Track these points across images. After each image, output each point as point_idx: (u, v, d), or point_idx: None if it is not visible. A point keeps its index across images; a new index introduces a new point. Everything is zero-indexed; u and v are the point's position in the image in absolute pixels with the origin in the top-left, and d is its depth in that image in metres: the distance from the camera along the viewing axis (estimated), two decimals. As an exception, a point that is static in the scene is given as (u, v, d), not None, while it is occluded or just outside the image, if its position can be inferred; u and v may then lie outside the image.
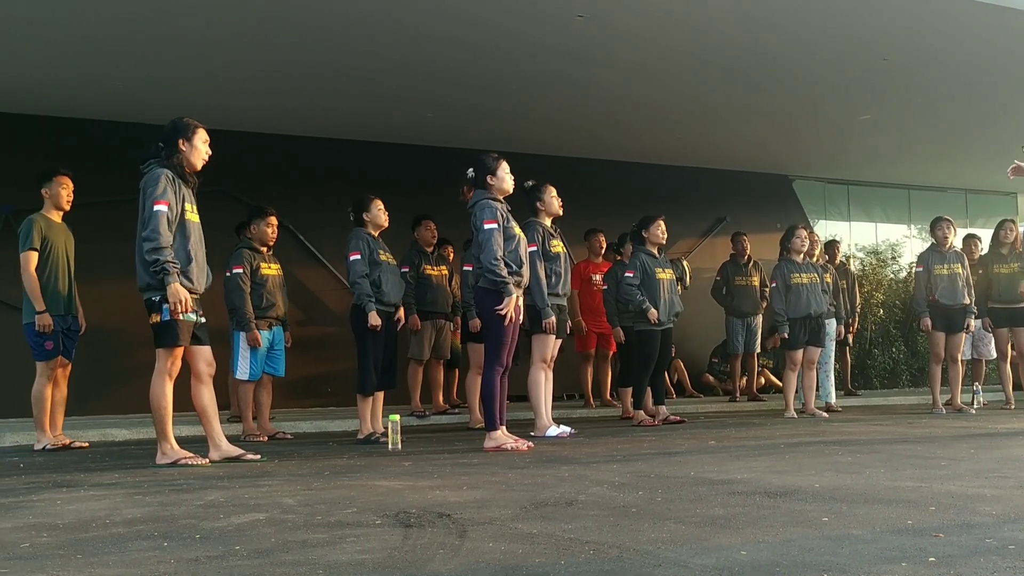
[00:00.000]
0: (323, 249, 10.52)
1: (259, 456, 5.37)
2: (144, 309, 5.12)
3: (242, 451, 5.36)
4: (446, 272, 8.70)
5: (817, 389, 9.13)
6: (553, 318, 6.61)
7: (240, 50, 7.98)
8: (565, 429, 6.71)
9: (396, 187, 9.72)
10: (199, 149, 5.23)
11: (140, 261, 5.06)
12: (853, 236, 14.18)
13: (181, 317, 5.01)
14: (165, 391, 5.09)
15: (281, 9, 7.14)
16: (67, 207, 6.66)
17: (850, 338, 11.11)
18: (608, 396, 10.20)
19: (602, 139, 11.26)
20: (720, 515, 3.11)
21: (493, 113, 9.97)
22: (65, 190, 6.61)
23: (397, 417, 6.09)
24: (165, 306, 4.99)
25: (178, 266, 5.03)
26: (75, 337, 6.68)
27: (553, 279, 6.77)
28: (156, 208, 4.98)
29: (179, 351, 5.12)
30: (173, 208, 5.05)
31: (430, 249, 8.58)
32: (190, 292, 5.09)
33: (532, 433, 6.58)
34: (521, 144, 10.40)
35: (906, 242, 14.36)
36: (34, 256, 6.40)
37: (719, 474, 4.26)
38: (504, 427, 5.87)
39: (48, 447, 6.39)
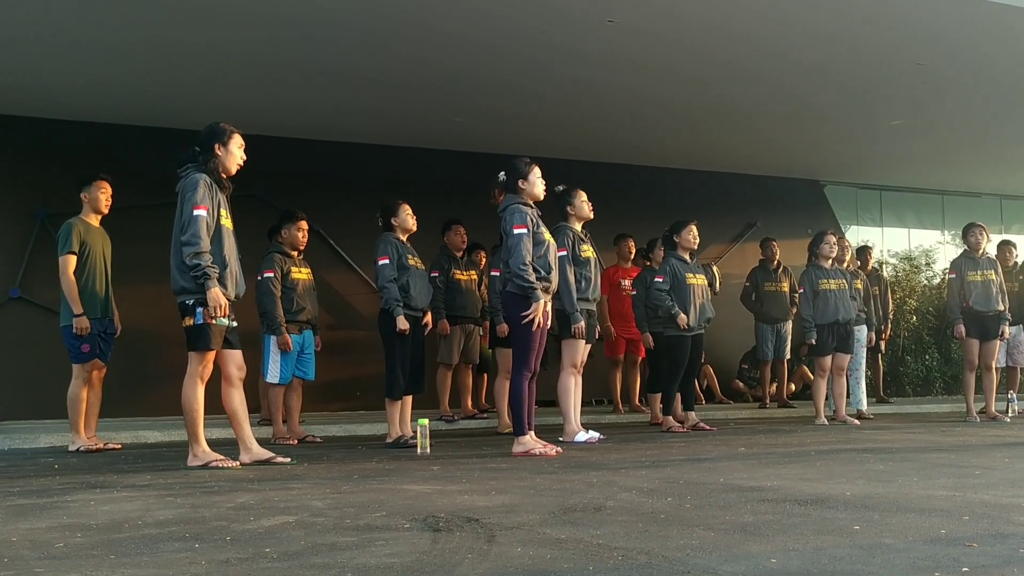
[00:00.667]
0: (353, 253, 10.57)
1: (289, 459, 5.40)
2: (176, 312, 5.17)
3: (272, 454, 5.40)
4: (475, 277, 8.71)
5: (848, 396, 9.05)
6: (583, 323, 6.60)
7: (271, 55, 8.04)
8: (594, 435, 6.70)
9: (426, 192, 9.74)
10: (234, 154, 5.29)
11: (176, 264, 5.10)
12: (886, 242, 14.04)
13: (214, 321, 5.06)
14: (196, 394, 5.13)
15: (311, 14, 7.19)
16: (106, 211, 6.75)
17: (882, 345, 11.01)
18: (637, 402, 10.17)
19: (632, 144, 11.24)
20: (750, 522, 3.09)
21: (522, 118, 9.97)
22: (104, 194, 6.70)
23: (426, 421, 6.10)
24: (199, 310, 5.04)
25: (217, 270, 5.08)
26: (111, 340, 6.76)
27: (583, 284, 6.76)
28: (195, 213, 5.03)
29: (211, 355, 5.16)
30: (211, 213, 5.11)
31: (459, 254, 8.59)
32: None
33: (561, 438, 6.57)
34: (550, 149, 10.40)
35: (940, 248, 14.21)
36: (72, 259, 6.48)
37: (749, 481, 4.23)
38: (532, 432, 5.87)
39: (82, 448, 6.47)
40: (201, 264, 5.00)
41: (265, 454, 5.36)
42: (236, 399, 5.30)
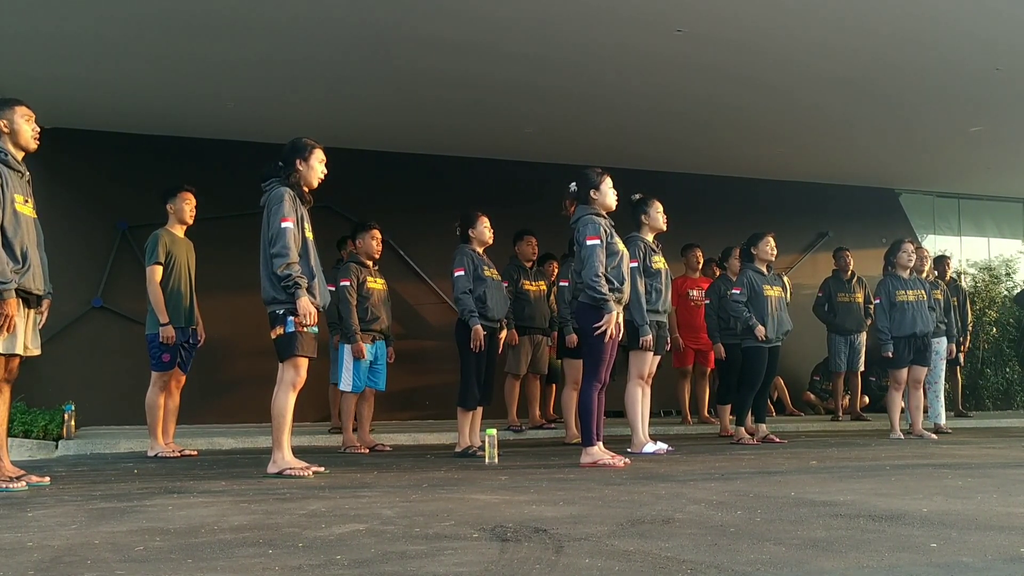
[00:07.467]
0: (422, 264, 10.66)
1: (308, 474, 5.23)
2: (253, 320, 5.27)
3: (288, 467, 5.23)
4: (544, 287, 8.71)
5: (926, 410, 8.83)
6: (651, 335, 6.57)
7: (343, 70, 8.18)
8: (662, 446, 6.66)
9: (497, 202, 9.77)
10: (315, 168, 5.42)
11: (266, 275, 5.24)
12: (964, 251, 13.70)
13: (305, 329, 5.18)
14: (288, 402, 5.23)
15: (384, 30, 7.30)
16: (190, 221, 6.92)
17: (961, 357, 10.73)
18: (706, 413, 10.07)
19: (700, 153, 11.16)
20: (822, 538, 3.04)
21: (593, 128, 9.97)
22: (188, 205, 6.87)
23: (494, 431, 6.13)
24: (289, 319, 5.16)
25: (307, 280, 5.20)
26: (193, 350, 6.90)
27: (653, 295, 6.73)
28: (283, 225, 5.17)
29: (304, 362, 5.26)
30: (297, 225, 5.24)
31: (529, 264, 8.61)
32: None
33: (629, 449, 6.55)
34: (620, 158, 10.37)
35: (1020, 258, 13.81)
36: (159, 270, 6.63)
37: (821, 495, 4.17)
38: (601, 443, 5.85)
39: (160, 454, 6.63)
40: (292, 275, 5.13)
41: (294, 464, 5.26)
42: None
